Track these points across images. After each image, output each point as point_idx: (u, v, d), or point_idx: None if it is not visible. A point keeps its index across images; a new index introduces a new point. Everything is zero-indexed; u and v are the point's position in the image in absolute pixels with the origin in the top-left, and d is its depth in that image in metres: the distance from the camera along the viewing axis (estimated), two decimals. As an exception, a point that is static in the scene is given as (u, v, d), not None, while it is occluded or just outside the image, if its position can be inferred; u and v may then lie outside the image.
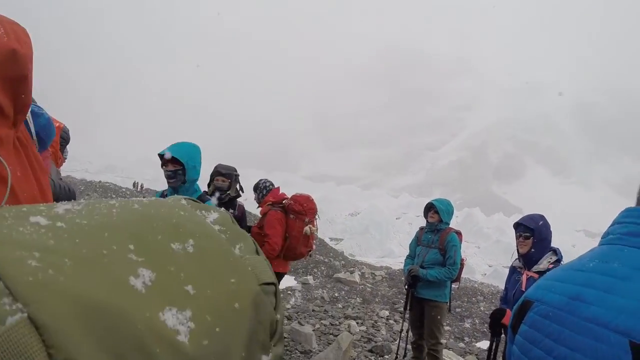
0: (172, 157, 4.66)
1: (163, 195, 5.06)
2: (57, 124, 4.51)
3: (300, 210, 7.09)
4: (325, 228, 64.60)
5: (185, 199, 0.86)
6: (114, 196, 26.84)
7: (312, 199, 7.43)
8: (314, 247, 7.71)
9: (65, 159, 4.98)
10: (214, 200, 6.15)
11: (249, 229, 6.96)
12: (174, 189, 4.83)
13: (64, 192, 3.52)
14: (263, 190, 7.42)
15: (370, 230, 61.44)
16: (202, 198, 4.97)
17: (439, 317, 6.83)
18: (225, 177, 6.63)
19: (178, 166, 4.69)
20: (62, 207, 0.69)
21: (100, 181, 31.19)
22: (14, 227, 0.59)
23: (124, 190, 31.96)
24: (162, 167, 4.84)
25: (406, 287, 7.19)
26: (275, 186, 7.51)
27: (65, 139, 4.77)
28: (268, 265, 0.79)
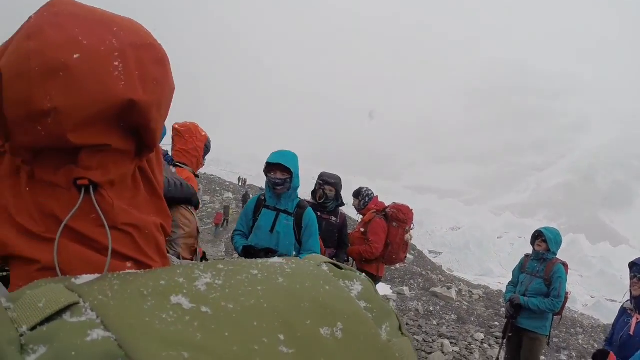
0: (282, 165, 4.85)
1: (260, 199, 5.25)
2: (203, 134, 4.91)
3: (403, 219, 7.48)
4: (424, 240, 63.98)
5: (325, 263, 0.81)
6: (217, 188, 27.91)
7: (411, 209, 7.82)
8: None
9: (203, 165, 5.18)
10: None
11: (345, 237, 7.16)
12: (277, 196, 5.03)
13: (177, 189, 3.50)
14: (365, 197, 7.80)
15: (470, 247, 60.26)
16: (302, 204, 5.18)
17: (537, 349, 6.66)
18: (332, 186, 6.81)
19: (287, 174, 4.90)
20: (202, 280, 0.65)
21: (205, 173, 32.42)
22: (156, 312, 0.56)
23: (227, 183, 33.25)
24: (267, 174, 5.01)
25: (506, 316, 7.08)
26: (375, 195, 7.91)
27: (208, 148, 5.05)
28: (413, 347, 0.75)
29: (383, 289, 17.61)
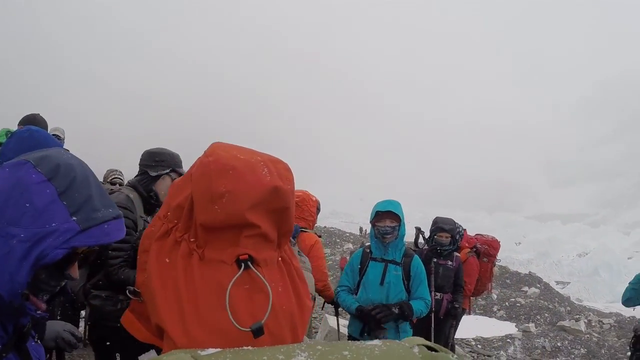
0: (391, 212, 4.86)
1: (365, 252, 5.18)
2: (314, 199, 5.86)
3: (495, 254, 7.84)
4: (551, 271, 61.21)
5: (419, 346, 0.91)
6: (337, 240, 28.60)
7: (498, 241, 8.14)
8: None
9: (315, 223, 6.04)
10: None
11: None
12: (384, 246, 4.98)
13: None
14: (456, 235, 7.49)
15: (599, 272, 56.98)
16: (408, 253, 5.11)
17: None
18: (448, 232, 6.91)
19: (395, 222, 4.90)
20: (299, 357, 0.75)
21: (325, 226, 33.44)
22: None
23: (347, 234, 33.90)
24: (375, 223, 5.00)
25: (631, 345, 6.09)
26: (464, 229, 7.99)
27: (318, 210, 6.01)
28: None
29: (507, 327, 17.45)
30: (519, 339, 14.96)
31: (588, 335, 16.41)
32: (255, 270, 1.28)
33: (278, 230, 1.45)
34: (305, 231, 5.62)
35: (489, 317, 19.30)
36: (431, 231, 7.11)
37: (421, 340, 0.97)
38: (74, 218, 1.21)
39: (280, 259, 1.50)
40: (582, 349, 14.40)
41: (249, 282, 1.29)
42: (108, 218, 1.27)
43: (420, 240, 7.67)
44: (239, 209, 1.30)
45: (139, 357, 1.05)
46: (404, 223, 4.95)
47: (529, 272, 34.28)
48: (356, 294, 5.13)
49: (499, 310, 20.00)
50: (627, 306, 6.14)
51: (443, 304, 6.89)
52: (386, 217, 4.92)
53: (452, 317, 7.10)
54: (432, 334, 6.65)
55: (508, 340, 14.84)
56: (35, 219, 1.18)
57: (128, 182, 4.32)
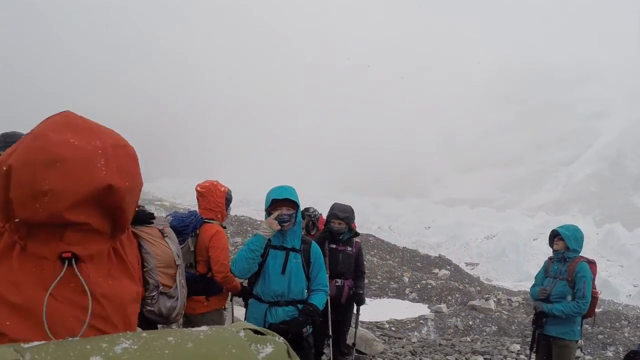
0: (289, 200, 4.69)
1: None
2: (223, 189, 5.61)
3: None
4: (460, 253, 63.33)
5: (245, 329, 0.96)
6: (249, 229, 28.09)
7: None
8: None
9: (228, 214, 5.82)
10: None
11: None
12: (282, 234, 4.79)
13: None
14: (313, 218, 7.71)
15: (506, 253, 59.38)
16: (306, 240, 5.00)
17: (567, 357, 6.29)
18: (342, 220, 6.77)
19: (293, 209, 4.72)
20: (122, 345, 0.80)
21: (235, 215, 32.78)
22: None
23: (258, 223, 33.37)
24: (270, 211, 4.79)
25: (533, 325, 6.70)
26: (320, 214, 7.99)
27: (229, 200, 5.71)
28: None
29: (420, 308, 17.51)
30: (432, 320, 14.97)
31: (498, 313, 16.68)
32: (77, 272, 1.25)
33: (111, 223, 1.37)
34: (209, 222, 5.46)
35: (402, 299, 19.39)
36: (327, 217, 6.98)
37: (247, 324, 1.03)
38: None
39: (112, 249, 1.44)
40: (493, 327, 14.52)
41: (74, 280, 1.26)
42: None
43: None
44: (60, 209, 1.21)
45: None
46: (299, 209, 4.82)
47: (439, 255, 35.13)
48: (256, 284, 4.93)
49: (411, 292, 20.14)
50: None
51: (345, 290, 6.76)
52: (282, 204, 4.72)
53: (356, 303, 7.05)
54: (329, 319, 6.44)
55: (421, 321, 14.79)
56: None
57: None
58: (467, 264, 51.57)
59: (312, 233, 7.40)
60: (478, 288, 23.04)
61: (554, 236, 6.56)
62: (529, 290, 7.27)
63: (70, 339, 0.94)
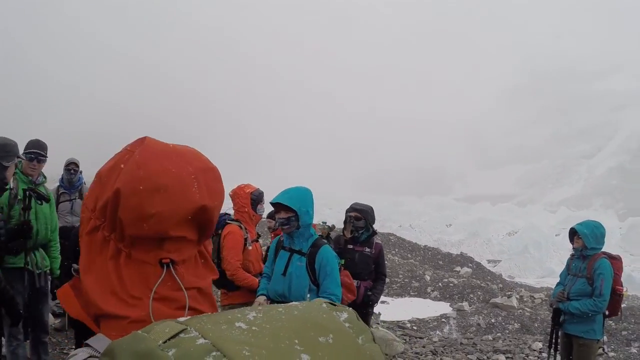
0: (284, 204, 4.75)
1: (279, 241, 5.20)
2: (247, 191, 6.02)
3: None
4: (482, 250, 62.84)
5: (324, 302, 1.21)
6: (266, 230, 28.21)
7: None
8: None
9: (261, 214, 6.21)
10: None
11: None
12: (289, 235, 4.91)
13: None
14: (371, 219, 7.40)
15: (529, 250, 58.78)
16: (317, 243, 4.98)
17: (587, 357, 6.20)
18: (358, 212, 6.88)
19: (291, 213, 4.76)
20: (250, 314, 1.05)
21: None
22: (230, 330, 0.98)
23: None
24: (275, 214, 5.10)
25: (552, 318, 6.64)
26: None
27: (254, 200, 6.04)
28: (382, 352, 1.16)
29: (442, 307, 17.50)
30: (454, 318, 15.00)
31: (521, 311, 16.59)
32: (174, 273, 1.48)
33: (200, 233, 1.58)
34: (231, 223, 5.91)
35: (424, 298, 19.39)
36: (345, 217, 7.04)
37: (324, 300, 1.23)
38: None
39: (197, 252, 1.64)
40: (515, 324, 14.48)
41: (170, 280, 1.47)
42: None
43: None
44: (165, 227, 1.43)
45: (86, 342, 1.32)
46: (306, 212, 4.82)
47: (461, 252, 34.99)
48: None
49: (432, 291, 20.14)
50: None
51: (360, 290, 6.73)
52: (279, 208, 4.83)
53: (367, 306, 6.95)
54: None
55: (443, 320, 14.83)
56: None
57: None
58: (489, 261, 51.21)
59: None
60: (500, 285, 22.95)
61: (574, 234, 6.45)
62: (551, 286, 7.24)
63: (215, 313, 1.18)
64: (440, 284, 20.73)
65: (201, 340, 0.94)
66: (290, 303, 1.18)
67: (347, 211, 7.05)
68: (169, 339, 0.95)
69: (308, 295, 4.86)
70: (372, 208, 7.17)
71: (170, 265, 1.48)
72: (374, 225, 7.17)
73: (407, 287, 20.53)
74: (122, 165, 1.47)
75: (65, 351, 7.33)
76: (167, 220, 1.41)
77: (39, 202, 5.74)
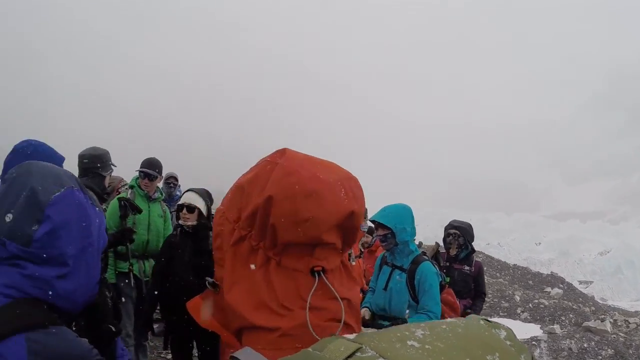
0: (380, 222, 4.83)
1: (384, 257, 5.21)
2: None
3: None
4: (573, 270, 60.78)
5: (481, 319, 1.19)
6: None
7: None
8: None
9: (364, 231, 6.70)
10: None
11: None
12: (390, 251, 5.00)
13: None
14: (469, 237, 7.37)
15: (622, 270, 56.51)
16: (418, 259, 4.97)
17: None
18: (456, 229, 6.95)
19: (387, 230, 4.81)
20: (417, 331, 1.02)
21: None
22: (404, 349, 0.94)
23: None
24: (376, 230, 5.11)
25: None
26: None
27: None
28: None
29: (532, 329, 17.35)
30: (545, 341, 14.88)
31: (615, 336, 16.21)
32: (327, 282, 1.46)
33: (344, 241, 1.59)
34: None
35: (513, 319, 19.16)
36: (445, 235, 7.12)
37: (478, 316, 1.17)
38: None
39: (340, 262, 1.67)
40: (609, 350, 14.26)
41: (322, 288, 1.45)
42: None
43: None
44: (319, 232, 1.42)
45: (234, 354, 1.13)
46: (402, 229, 4.80)
47: (551, 272, 34.10)
48: None
49: (522, 312, 19.89)
50: None
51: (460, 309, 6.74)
52: (377, 225, 4.94)
53: None
54: None
55: (533, 342, 14.76)
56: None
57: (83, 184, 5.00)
58: (580, 282, 49.55)
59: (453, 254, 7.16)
60: (593, 308, 22.39)
61: None
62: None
63: (376, 330, 1.14)
64: (530, 305, 20.41)
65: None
66: (450, 320, 1.18)
67: (446, 228, 7.11)
68: (346, 359, 0.92)
69: (407, 311, 4.81)
70: (470, 225, 7.20)
71: (322, 274, 1.50)
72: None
73: (496, 307, 20.36)
74: (265, 176, 1.51)
75: (162, 355, 7.69)
76: (320, 225, 1.43)
77: (132, 212, 5.81)
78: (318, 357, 0.91)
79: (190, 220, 5.18)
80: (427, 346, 0.95)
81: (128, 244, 5.62)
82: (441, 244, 7.04)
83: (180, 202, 5.32)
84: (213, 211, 5.38)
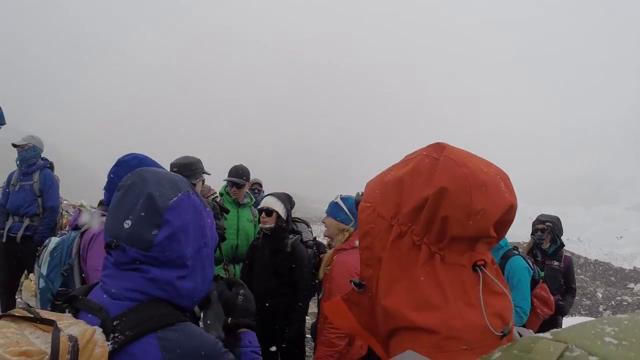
0: None
1: None
2: None
3: None
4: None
5: None
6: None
7: None
8: None
9: None
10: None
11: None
12: None
13: None
14: (557, 231, 7.30)
15: None
16: (508, 254, 5.11)
17: None
18: (543, 223, 6.95)
19: None
20: (606, 328, 0.98)
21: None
22: (607, 346, 0.91)
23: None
24: None
25: None
26: None
27: None
28: None
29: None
30: None
31: None
32: (490, 275, 1.45)
33: (498, 235, 1.57)
34: None
35: (596, 317, 18.59)
36: (533, 230, 7.10)
37: None
38: None
39: None
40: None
41: (484, 284, 1.44)
42: None
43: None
44: (488, 225, 1.42)
45: (394, 357, 1.32)
46: None
47: (634, 267, 32.83)
48: None
49: (605, 310, 19.48)
50: None
51: None
52: None
53: (557, 313, 6.71)
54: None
55: None
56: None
57: None
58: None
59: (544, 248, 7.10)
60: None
61: None
62: None
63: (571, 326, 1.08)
64: (613, 303, 19.95)
65: (593, 358, 0.87)
66: (628, 315, 1.11)
67: (534, 223, 7.07)
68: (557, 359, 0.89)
69: None
70: (559, 219, 7.14)
71: (484, 268, 1.43)
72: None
73: (577, 305, 19.75)
74: (427, 169, 1.48)
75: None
76: (489, 218, 1.38)
77: (221, 213, 5.91)
78: (528, 359, 0.93)
79: (269, 223, 5.42)
80: (624, 342, 0.92)
81: (220, 244, 5.75)
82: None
83: (260, 206, 5.65)
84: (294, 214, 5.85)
